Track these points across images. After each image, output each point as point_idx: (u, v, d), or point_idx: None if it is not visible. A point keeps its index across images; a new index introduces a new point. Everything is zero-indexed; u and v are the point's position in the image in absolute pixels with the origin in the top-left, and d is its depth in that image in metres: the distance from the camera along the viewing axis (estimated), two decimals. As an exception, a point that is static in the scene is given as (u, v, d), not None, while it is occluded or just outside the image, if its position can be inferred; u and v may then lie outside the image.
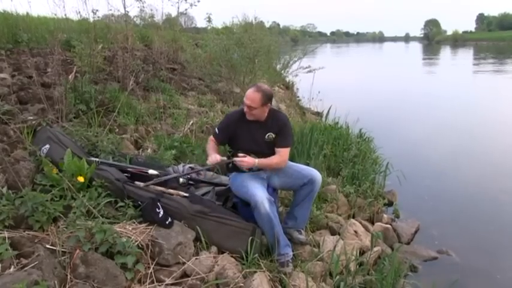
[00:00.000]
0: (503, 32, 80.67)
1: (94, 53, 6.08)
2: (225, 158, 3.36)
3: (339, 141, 5.85)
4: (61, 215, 2.69)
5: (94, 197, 2.90)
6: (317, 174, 3.34)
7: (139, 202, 2.97)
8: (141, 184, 3.19)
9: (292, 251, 3.20)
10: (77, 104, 4.64)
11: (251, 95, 3.16)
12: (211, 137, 3.46)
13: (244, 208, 3.24)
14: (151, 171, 3.45)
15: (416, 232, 4.56)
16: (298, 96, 12.45)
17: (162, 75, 7.35)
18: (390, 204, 5.18)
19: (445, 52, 51.82)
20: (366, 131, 6.79)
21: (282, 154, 3.30)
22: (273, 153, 3.31)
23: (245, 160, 3.16)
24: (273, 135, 3.27)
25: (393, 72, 24.09)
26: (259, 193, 3.00)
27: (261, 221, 3.00)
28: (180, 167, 3.99)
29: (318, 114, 9.70)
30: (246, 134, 3.24)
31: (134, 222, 2.85)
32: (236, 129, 3.29)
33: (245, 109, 3.21)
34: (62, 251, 2.42)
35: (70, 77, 5.03)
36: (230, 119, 3.41)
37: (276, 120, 3.31)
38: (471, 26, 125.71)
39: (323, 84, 9.32)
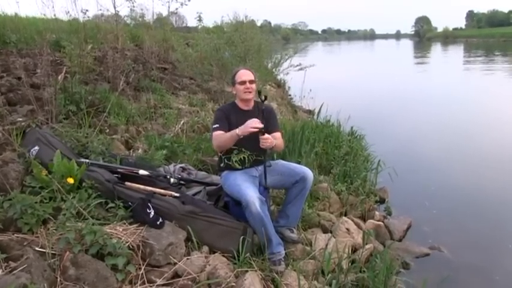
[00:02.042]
0: (493, 29, 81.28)
1: (84, 54, 6.03)
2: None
3: (331, 139, 5.86)
4: (51, 217, 2.66)
5: (84, 198, 2.87)
6: (309, 172, 3.35)
7: (129, 203, 2.95)
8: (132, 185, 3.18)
9: (285, 250, 3.19)
10: (67, 104, 4.60)
11: (246, 71, 3.42)
12: (217, 132, 3.26)
13: (235, 207, 3.23)
14: (142, 172, 3.42)
15: (408, 229, 4.58)
16: (289, 95, 12.49)
17: (153, 75, 7.31)
18: (382, 201, 5.20)
19: (436, 49, 52.17)
20: (357, 129, 6.80)
21: (278, 136, 3.44)
22: None
23: (269, 140, 3.14)
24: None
25: (384, 69, 24.21)
26: (250, 193, 2.99)
27: (252, 221, 2.99)
28: (171, 167, 3.97)
29: (310, 112, 9.72)
30: (240, 124, 3.24)
31: (125, 223, 2.83)
32: (230, 120, 3.29)
33: (245, 87, 3.32)
34: (52, 254, 2.40)
35: (60, 77, 4.97)
36: (223, 110, 3.45)
37: (262, 109, 3.45)
38: (461, 23, 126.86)
39: (314, 82, 9.33)
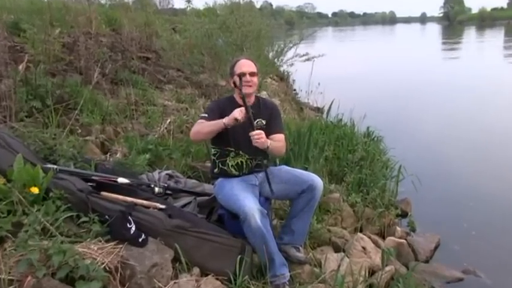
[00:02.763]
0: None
1: (50, 39, 6.02)
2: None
3: (343, 142, 5.88)
4: (8, 235, 2.63)
5: (51, 211, 2.86)
6: (318, 180, 3.36)
7: (106, 216, 2.95)
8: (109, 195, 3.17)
9: (289, 271, 3.19)
10: (30, 100, 4.61)
11: (247, 62, 3.44)
12: (201, 120, 3.32)
13: (231, 221, 3.23)
14: (121, 180, 3.43)
15: (436, 248, 4.56)
16: (294, 89, 12.55)
17: (133, 65, 7.34)
18: (404, 215, 5.18)
19: (470, 34, 52.20)
20: (375, 130, 6.82)
21: (280, 139, 3.44)
22: None
23: (262, 137, 3.12)
24: (263, 122, 3.39)
25: (406, 60, 24.17)
26: (249, 204, 2.99)
27: (252, 237, 2.99)
28: (156, 174, 3.98)
29: (318, 110, 9.76)
30: None
31: (100, 241, 2.82)
32: (225, 116, 3.27)
33: (245, 80, 3.31)
34: (9, 280, 2.36)
35: (20, 67, 4.98)
36: (218, 103, 3.52)
37: (264, 106, 3.50)
38: (502, 2, 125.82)
39: (324, 74, 9.36)
